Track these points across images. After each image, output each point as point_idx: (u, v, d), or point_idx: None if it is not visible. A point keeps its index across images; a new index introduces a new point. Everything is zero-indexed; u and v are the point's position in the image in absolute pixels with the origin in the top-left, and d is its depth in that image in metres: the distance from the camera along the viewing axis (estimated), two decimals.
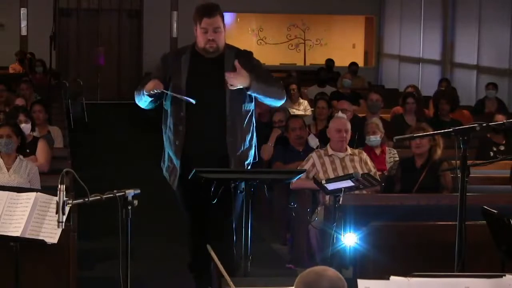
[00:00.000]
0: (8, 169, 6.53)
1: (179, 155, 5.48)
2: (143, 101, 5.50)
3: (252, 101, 5.56)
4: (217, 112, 5.42)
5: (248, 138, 5.54)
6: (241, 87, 5.32)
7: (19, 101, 9.29)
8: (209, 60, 5.50)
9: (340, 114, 7.34)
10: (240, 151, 5.47)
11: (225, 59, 5.48)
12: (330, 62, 16.48)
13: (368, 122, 8.11)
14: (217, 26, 5.44)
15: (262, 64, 5.72)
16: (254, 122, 5.62)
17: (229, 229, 5.27)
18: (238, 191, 4.96)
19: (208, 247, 4.20)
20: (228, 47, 5.57)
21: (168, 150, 5.58)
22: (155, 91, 5.31)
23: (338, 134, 6.88)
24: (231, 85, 5.32)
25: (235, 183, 4.88)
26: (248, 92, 5.39)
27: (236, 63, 5.34)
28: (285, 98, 5.78)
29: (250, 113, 5.56)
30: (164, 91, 5.35)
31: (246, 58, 5.52)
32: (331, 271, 2.95)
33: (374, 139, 7.76)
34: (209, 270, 5.70)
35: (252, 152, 5.59)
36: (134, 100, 5.60)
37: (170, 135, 5.53)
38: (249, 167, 5.56)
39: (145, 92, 5.36)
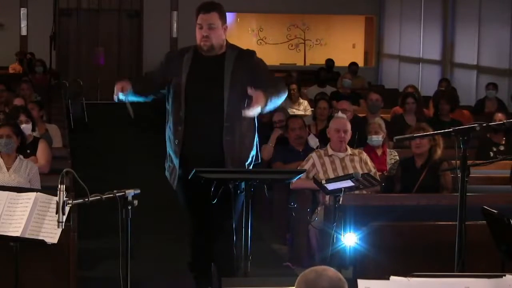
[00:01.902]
0: (8, 169, 6.53)
1: (178, 154, 5.46)
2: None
3: None
4: (215, 111, 5.38)
5: (248, 139, 5.47)
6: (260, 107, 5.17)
7: (18, 101, 9.28)
8: (210, 59, 5.46)
9: (340, 114, 7.34)
10: (238, 151, 5.41)
11: (226, 59, 5.44)
12: (330, 62, 16.48)
13: (370, 122, 8.11)
14: (212, 23, 5.36)
15: (264, 63, 5.64)
16: (256, 123, 5.55)
17: (229, 229, 5.26)
18: (238, 191, 4.95)
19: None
20: (231, 46, 5.52)
21: (169, 150, 5.57)
22: (120, 98, 5.41)
23: (337, 134, 6.87)
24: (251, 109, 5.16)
25: (235, 183, 4.87)
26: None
27: (250, 90, 5.15)
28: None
29: None
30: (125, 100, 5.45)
31: (247, 58, 5.49)
32: (331, 271, 2.95)
33: (376, 139, 7.76)
34: (209, 270, 5.70)
35: (252, 153, 5.51)
36: (134, 100, 5.61)
37: (170, 135, 5.52)
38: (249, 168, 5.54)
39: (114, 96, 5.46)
